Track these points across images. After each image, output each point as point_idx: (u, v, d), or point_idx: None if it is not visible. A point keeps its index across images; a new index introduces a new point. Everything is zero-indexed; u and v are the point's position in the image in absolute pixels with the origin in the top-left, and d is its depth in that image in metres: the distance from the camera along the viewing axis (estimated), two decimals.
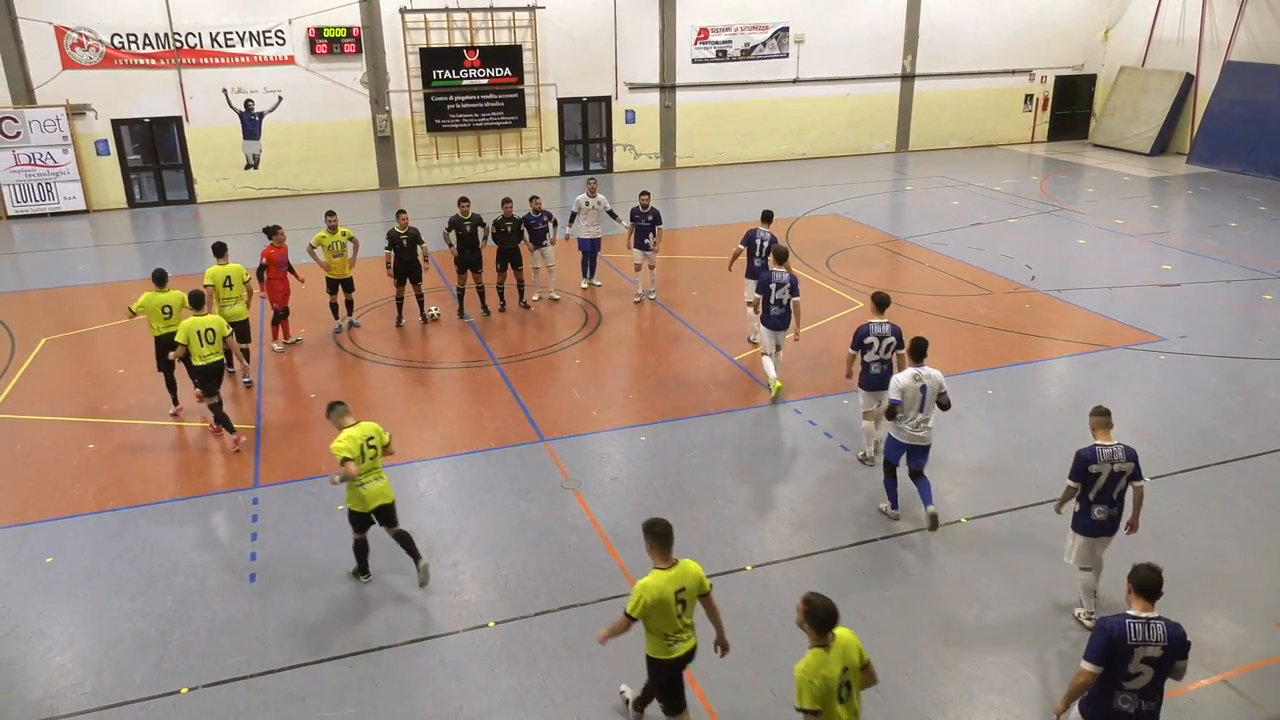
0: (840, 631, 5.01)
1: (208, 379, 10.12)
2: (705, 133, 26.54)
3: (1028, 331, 13.39)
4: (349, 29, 22.54)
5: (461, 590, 7.85)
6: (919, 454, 8.48)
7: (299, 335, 13.45)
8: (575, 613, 7.53)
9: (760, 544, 8.45)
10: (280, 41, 22.22)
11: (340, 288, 13.40)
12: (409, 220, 13.41)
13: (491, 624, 7.40)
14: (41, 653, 7.17)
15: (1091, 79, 30.21)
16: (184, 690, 6.75)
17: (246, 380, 12.08)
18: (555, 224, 14.51)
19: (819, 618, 4.91)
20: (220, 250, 11.84)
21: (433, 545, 8.44)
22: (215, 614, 7.55)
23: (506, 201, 14.11)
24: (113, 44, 21.03)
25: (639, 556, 8.16)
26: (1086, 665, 5.19)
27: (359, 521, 7.64)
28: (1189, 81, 26.98)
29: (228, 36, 21.81)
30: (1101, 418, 7.19)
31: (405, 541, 7.76)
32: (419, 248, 13.39)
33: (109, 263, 18.17)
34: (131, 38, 21.13)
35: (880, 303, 9.38)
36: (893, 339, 9.27)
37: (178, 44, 21.46)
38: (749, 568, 8.08)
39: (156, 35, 21.27)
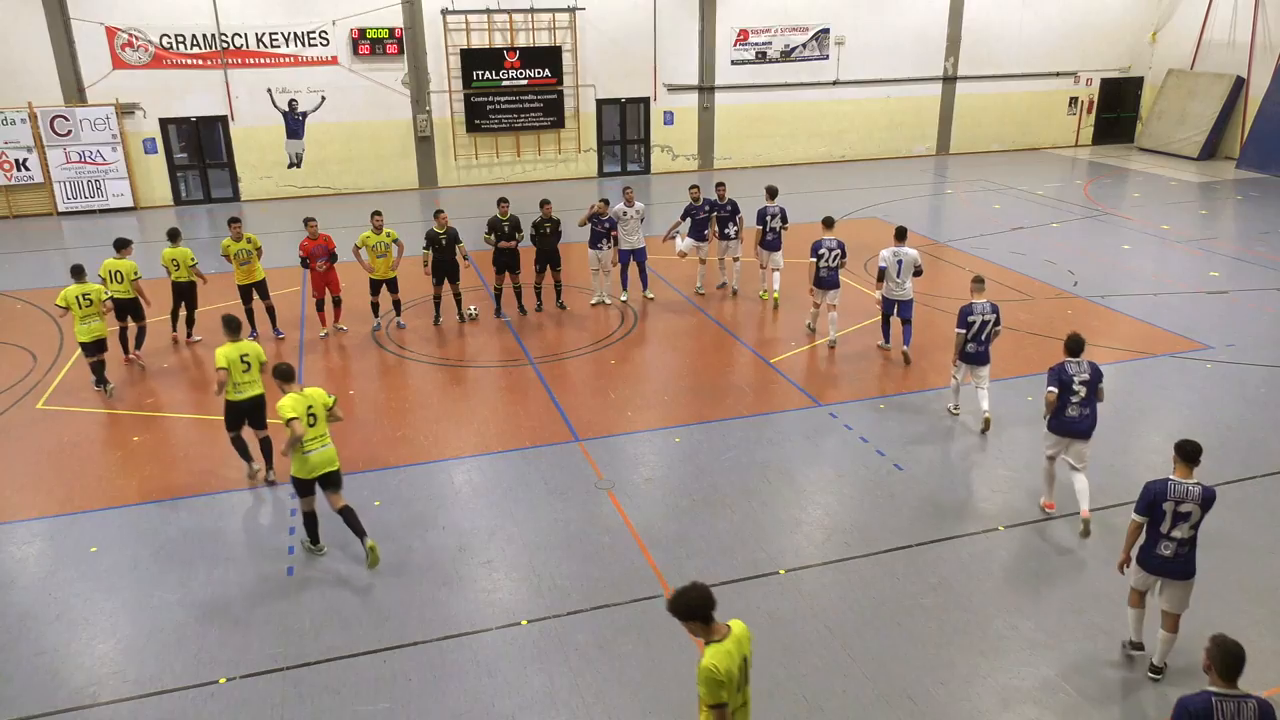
0: (310, 391, 7.92)
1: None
2: (744, 135, 26.47)
3: None
4: (391, 30, 22.79)
5: (495, 588, 7.89)
6: (904, 307, 12.14)
7: (342, 325, 13.76)
8: (607, 613, 7.54)
9: (794, 548, 8.41)
10: (324, 42, 22.52)
11: (385, 288, 13.57)
12: (448, 220, 13.52)
13: (524, 622, 7.43)
14: (85, 640, 7.32)
15: (1138, 82, 29.70)
16: (222, 680, 6.86)
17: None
18: (616, 238, 14.34)
19: (282, 374, 7.90)
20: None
21: (467, 543, 8.50)
22: (253, 606, 7.66)
23: (545, 203, 14.16)
24: (161, 44, 21.45)
25: (673, 557, 8.19)
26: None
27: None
28: (1239, 85, 26.42)
29: (273, 37, 22.15)
30: (978, 284, 10.51)
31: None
32: (457, 247, 13.51)
33: (154, 259, 18.46)
34: (180, 38, 21.54)
35: (828, 223, 12.85)
36: (838, 250, 12.56)
37: (224, 44, 21.85)
38: (782, 571, 8.04)
39: (204, 36, 21.66)
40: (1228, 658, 4.93)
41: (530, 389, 11.88)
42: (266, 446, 9.56)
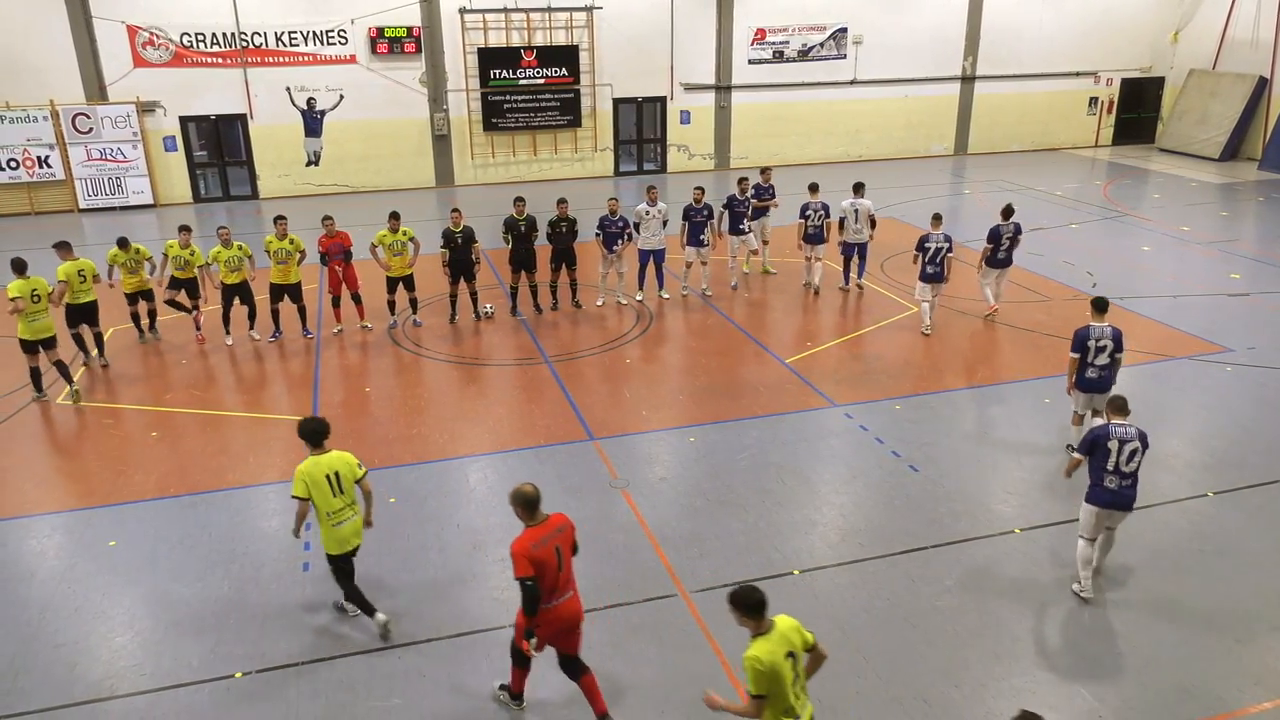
0: (35, 279, 7.36)
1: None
2: (760, 134, 26.42)
3: None
4: (409, 29, 22.87)
5: (509, 586, 7.87)
6: (861, 249, 14.89)
7: (367, 323, 13.85)
8: (621, 611, 7.54)
9: (809, 549, 8.38)
10: (343, 41, 22.63)
11: (401, 286, 13.62)
12: (463, 219, 13.56)
13: None
14: (103, 633, 7.39)
15: (1159, 82, 29.46)
16: (238, 675, 6.90)
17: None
18: (630, 235, 14.33)
19: (16, 266, 6.95)
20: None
21: (482, 540, 8.52)
22: (269, 601, 7.71)
23: (561, 201, 14.18)
24: (182, 43, 21.61)
25: (686, 557, 8.19)
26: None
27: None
28: (1262, 85, 26.16)
29: (292, 36, 22.27)
30: (936, 219, 13.40)
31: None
32: (473, 246, 13.54)
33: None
34: (200, 37, 21.69)
35: (813, 188, 15.22)
36: (822, 211, 14.79)
37: (244, 43, 21.98)
38: (796, 572, 8.02)
39: (224, 34, 21.81)
40: (1119, 403, 7.51)
41: (545, 387, 11.90)
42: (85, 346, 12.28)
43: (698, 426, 10.73)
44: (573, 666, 6.30)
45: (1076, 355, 9.35)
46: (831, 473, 9.83)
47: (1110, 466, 7.27)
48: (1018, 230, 13.61)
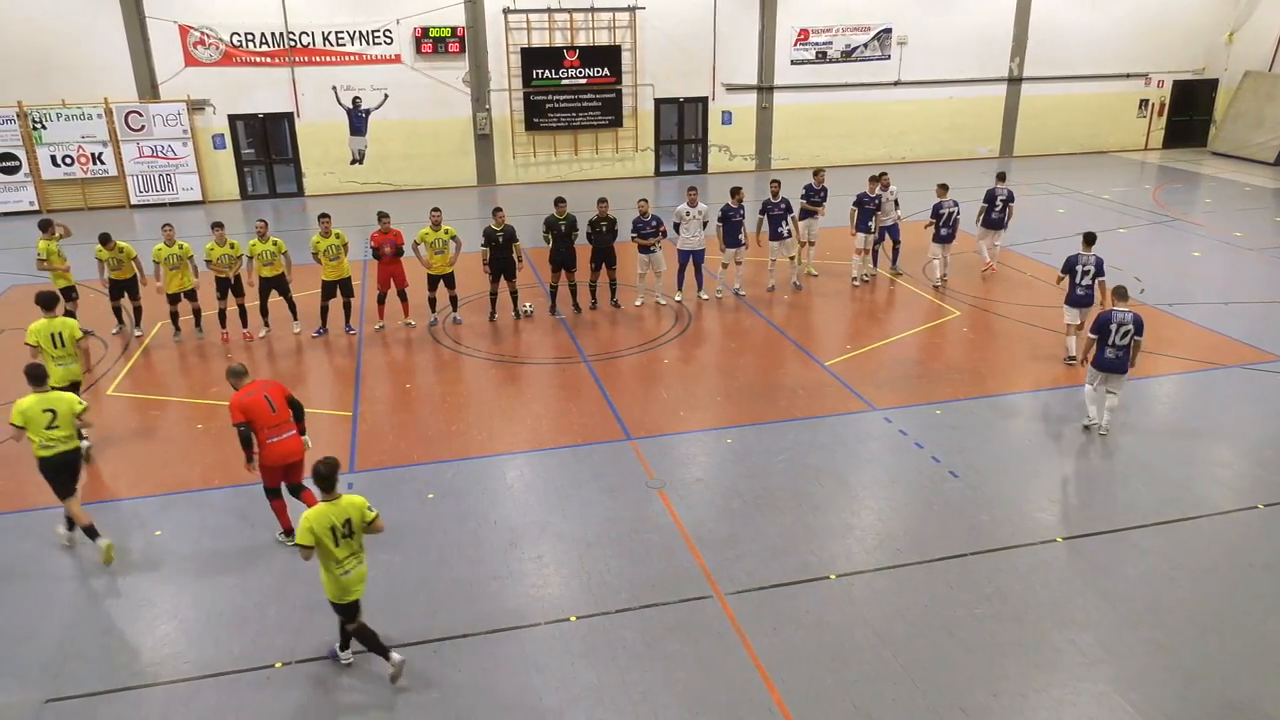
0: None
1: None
2: (802, 135, 26.28)
3: None
4: (454, 29, 23.08)
5: (545, 583, 7.94)
6: (894, 231, 15.90)
7: (410, 320, 13.98)
8: (655, 612, 7.54)
9: (845, 553, 8.32)
10: (388, 41, 22.89)
11: (442, 283, 13.74)
12: (505, 218, 13.64)
13: (573, 618, 7.46)
14: (147, 621, 7.54)
15: (1213, 84, 28.83)
16: (278, 665, 7.01)
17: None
18: (664, 233, 14.35)
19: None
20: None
21: (519, 538, 8.56)
22: (309, 593, 7.79)
23: (602, 201, 14.22)
24: (232, 42, 22.00)
25: (722, 559, 8.17)
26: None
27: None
28: None
29: (338, 36, 22.58)
30: (942, 188, 15.17)
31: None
32: (514, 245, 13.63)
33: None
34: (249, 36, 22.07)
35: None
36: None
37: (292, 43, 22.33)
38: (833, 576, 7.96)
39: (272, 34, 22.17)
40: (1119, 290, 10.11)
41: (583, 387, 11.93)
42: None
43: (735, 428, 10.69)
44: (296, 491, 8.36)
45: (1066, 275, 11.84)
46: (870, 477, 9.74)
47: (1110, 342, 9.86)
48: (1010, 195, 15.61)
